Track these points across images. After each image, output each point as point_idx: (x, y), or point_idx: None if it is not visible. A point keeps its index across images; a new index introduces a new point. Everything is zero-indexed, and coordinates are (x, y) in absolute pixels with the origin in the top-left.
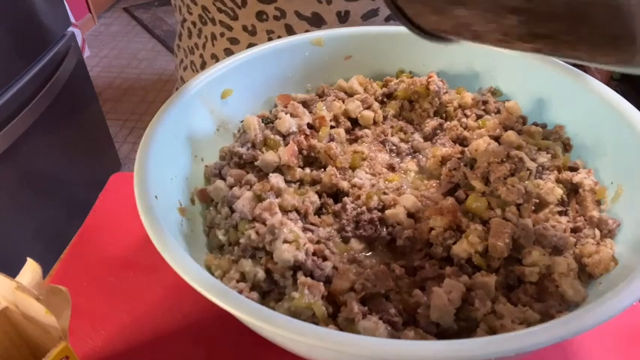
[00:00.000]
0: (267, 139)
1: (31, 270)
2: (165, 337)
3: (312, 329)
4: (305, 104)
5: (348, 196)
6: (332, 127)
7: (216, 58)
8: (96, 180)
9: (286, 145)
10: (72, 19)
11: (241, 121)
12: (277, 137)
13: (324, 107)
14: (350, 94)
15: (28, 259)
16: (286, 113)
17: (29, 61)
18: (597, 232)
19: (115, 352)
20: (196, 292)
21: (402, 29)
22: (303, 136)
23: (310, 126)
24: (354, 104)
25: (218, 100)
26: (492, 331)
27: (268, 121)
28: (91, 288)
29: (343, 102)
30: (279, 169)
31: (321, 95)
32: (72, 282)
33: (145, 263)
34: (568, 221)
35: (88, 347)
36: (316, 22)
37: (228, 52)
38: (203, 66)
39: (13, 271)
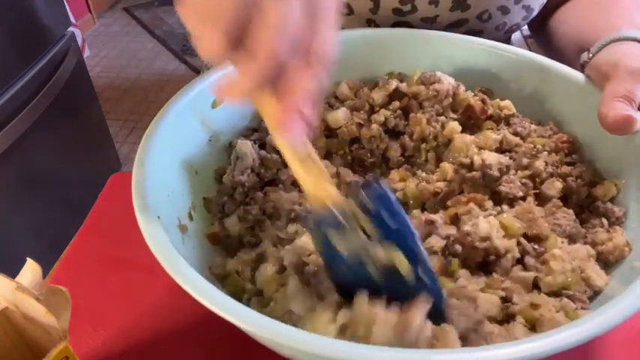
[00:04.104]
0: (264, 160)
1: (31, 270)
2: (165, 337)
3: (321, 341)
4: None
5: None
6: (327, 136)
7: None
8: (96, 180)
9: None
10: (72, 19)
11: (230, 144)
12: (274, 156)
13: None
14: (341, 100)
15: (28, 259)
16: None
17: (29, 61)
18: (605, 220)
19: (115, 352)
20: None
21: (390, 31)
22: None
23: None
24: (336, 115)
25: (209, 110)
26: (531, 322)
27: (260, 142)
28: (91, 288)
29: (332, 108)
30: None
31: None
32: (72, 282)
33: (145, 263)
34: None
35: (88, 347)
36: None
37: None
38: None
39: (13, 271)
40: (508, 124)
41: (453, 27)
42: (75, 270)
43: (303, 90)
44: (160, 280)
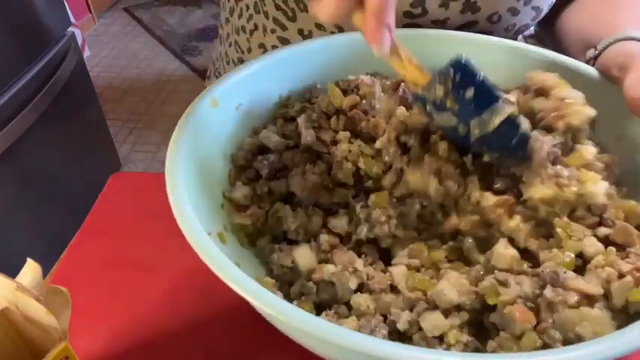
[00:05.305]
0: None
1: (31, 270)
2: (165, 338)
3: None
4: None
5: None
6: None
7: (264, 48)
8: (96, 180)
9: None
10: (72, 19)
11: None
12: None
13: None
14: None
15: (28, 259)
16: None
17: (29, 61)
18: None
19: (114, 352)
20: (196, 292)
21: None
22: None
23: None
24: None
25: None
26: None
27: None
28: (91, 288)
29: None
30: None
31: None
32: (72, 282)
33: (145, 263)
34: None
35: (88, 347)
36: None
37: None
38: (249, 50)
39: (13, 271)
40: None
41: (463, 29)
42: (75, 270)
43: (387, 5)
44: (160, 280)
